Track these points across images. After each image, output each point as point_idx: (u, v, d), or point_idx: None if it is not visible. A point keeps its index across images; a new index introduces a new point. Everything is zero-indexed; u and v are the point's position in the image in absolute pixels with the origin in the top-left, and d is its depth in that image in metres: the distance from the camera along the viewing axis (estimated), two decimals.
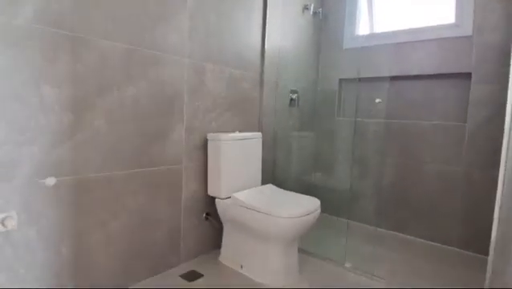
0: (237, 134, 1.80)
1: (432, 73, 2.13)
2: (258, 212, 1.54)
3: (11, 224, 1.09)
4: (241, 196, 1.66)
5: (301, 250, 1.84)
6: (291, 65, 2.44)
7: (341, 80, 2.60)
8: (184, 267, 1.72)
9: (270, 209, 1.51)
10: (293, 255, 1.65)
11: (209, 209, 1.86)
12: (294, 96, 2.50)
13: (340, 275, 1.72)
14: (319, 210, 1.62)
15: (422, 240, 2.15)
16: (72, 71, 1.23)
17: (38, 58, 1.14)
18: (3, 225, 1.08)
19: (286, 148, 2.48)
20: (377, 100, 2.14)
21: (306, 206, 1.56)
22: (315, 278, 1.68)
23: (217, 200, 1.76)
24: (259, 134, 1.94)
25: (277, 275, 1.59)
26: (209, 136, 1.75)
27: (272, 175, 2.27)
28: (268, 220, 1.50)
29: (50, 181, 1.20)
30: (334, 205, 2.45)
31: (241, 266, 1.70)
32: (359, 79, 2.39)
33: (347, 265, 1.79)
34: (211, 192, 1.78)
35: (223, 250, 1.81)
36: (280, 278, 1.59)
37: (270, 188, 1.89)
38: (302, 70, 2.59)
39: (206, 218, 1.86)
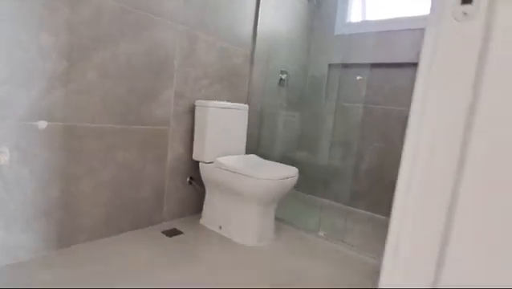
0: (225, 103, 1.88)
1: (416, 61, 2.23)
2: (239, 174, 1.63)
3: (3, 159, 1.17)
4: (224, 160, 1.76)
5: (278, 219, 1.95)
6: (283, 46, 2.52)
7: (330, 65, 2.69)
8: (166, 225, 1.82)
9: (251, 172, 1.61)
10: (269, 219, 1.76)
11: (193, 174, 1.95)
12: (284, 77, 2.59)
13: (313, 241, 1.84)
14: (297, 177, 1.72)
15: None
16: (70, 22, 1.30)
17: (40, 6, 1.21)
18: None
19: (271, 125, 2.57)
20: (358, 78, 2.24)
21: (285, 172, 1.66)
22: (290, 242, 1.79)
23: (201, 164, 1.85)
24: (246, 106, 2.02)
25: (253, 236, 1.70)
26: (198, 102, 1.83)
27: (256, 150, 2.36)
28: (248, 181, 1.60)
29: (42, 124, 1.27)
30: (312, 185, 2.57)
31: (220, 227, 1.80)
32: (347, 65, 2.50)
33: (321, 233, 1.90)
34: (196, 156, 1.86)
35: (204, 212, 1.91)
36: (256, 238, 1.70)
37: (253, 157, 1.98)
38: (293, 52, 2.68)
39: (190, 182, 1.95)
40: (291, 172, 1.69)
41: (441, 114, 0.42)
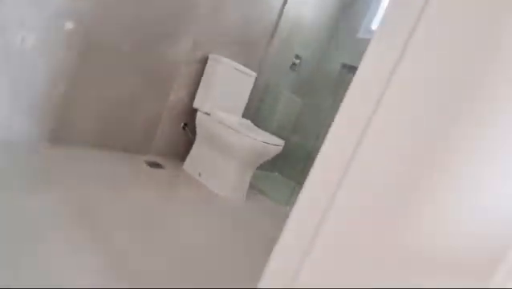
0: (237, 64, 1.98)
1: None
2: (231, 128, 1.75)
3: (28, 43, 1.26)
4: (221, 114, 1.87)
5: (253, 186, 2.08)
6: (304, 32, 2.61)
7: (344, 65, 2.80)
8: (151, 158, 1.93)
9: (241, 130, 1.72)
10: (246, 179, 1.88)
11: (188, 122, 2.06)
12: (297, 62, 2.69)
13: (279, 211, 1.97)
14: (281, 148, 1.84)
15: None
16: None
17: None
18: (21, 41, 1.25)
19: (272, 102, 2.68)
20: None
21: (271, 139, 1.79)
22: (258, 205, 1.92)
23: (198, 112, 1.95)
24: (254, 74, 2.13)
25: (228, 188, 1.82)
26: (212, 55, 1.93)
27: (252, 119, 2.47)
28: (236, 137, 1.72)
29: (69, 25, 1.37)
30: (293, 169, 2.70)
31: (199, 174, 1.92)
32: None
33: (288, 208, 2.03)
34: (196, 104, 1.97)
35: (188, 159, 2.03)
36: (230, 191, 1.82)
37: (247, 122, 2.10)
38: (312, 41, 2.77)
39: (183, 128, 2.06)
40: (277, 141, 1.82)
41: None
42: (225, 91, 1.97)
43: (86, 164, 1.50)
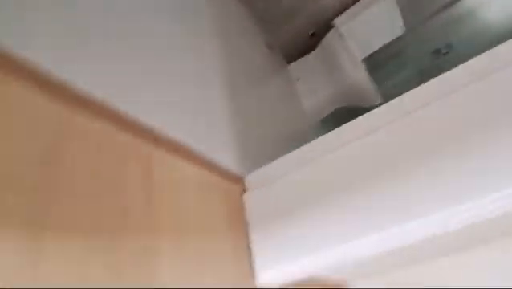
0: (396, 7, 1.94)
1: None
2: (353, 56, 1.82)
3: None
4: (352, 42, 1.91)
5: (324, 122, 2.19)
6: (478, 25, 2.36)
7: None
8: (271, 41, 2.09)
9: (360, 65, 1.79)
10: (330, 108, 2.01)
11: (318, 34, 2.12)
12: (444, 51, 2.49)
13: None
14: (375, 103, 1.89)
15: None
16: None
17: None
18: None
19: (390, 71, 2.58)
20: None
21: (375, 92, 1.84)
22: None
23: (333, 29, 2.00)
24: (403, 28, 2.05)
25: (312, 103, 1.96)
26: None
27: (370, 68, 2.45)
28: (353, 67, 1.83)
29: None
30: None
31: (298, 79, 2.06)
32: None
33: None
34: (336, 22, 2.00)
35: (298, 61, 2.14)
36: (312, 107, 1.96)
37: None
38: (482, 41, 2.51)
39: (311, 35, 2.14)
40: (377, 96, 1.86)
41: None
42: (367, 24, 1.97)
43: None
